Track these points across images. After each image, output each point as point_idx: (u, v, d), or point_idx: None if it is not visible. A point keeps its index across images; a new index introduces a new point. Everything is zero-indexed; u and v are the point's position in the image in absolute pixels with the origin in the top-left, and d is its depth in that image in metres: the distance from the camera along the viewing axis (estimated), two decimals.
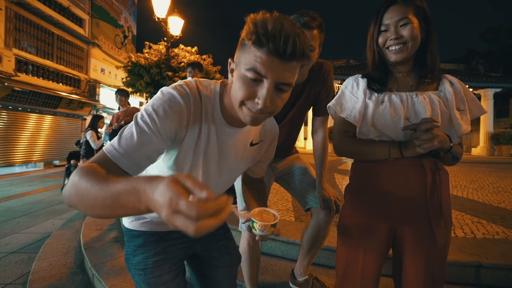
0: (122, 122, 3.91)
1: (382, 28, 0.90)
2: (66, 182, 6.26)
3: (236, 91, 0.64)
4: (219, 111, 0.74)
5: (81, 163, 4.14)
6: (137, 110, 3.93)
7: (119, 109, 4.30)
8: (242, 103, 0.64)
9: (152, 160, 0.67)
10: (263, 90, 0.60)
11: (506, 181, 4.91)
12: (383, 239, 0.88)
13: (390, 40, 0.87)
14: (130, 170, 0.62)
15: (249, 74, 0.60)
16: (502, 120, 18.72)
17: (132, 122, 0.65)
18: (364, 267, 0.88)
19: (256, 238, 0.76)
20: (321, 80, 1.36)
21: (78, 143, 7.61)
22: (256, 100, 0.62)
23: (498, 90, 13.45)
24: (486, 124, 13.52)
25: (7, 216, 4.33)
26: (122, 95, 4.09)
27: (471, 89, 15.00)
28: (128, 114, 4.01)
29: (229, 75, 0.70)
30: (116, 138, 0.63)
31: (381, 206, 0.88)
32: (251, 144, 0.85)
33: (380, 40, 0.90)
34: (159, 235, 0.89)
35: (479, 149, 13.75)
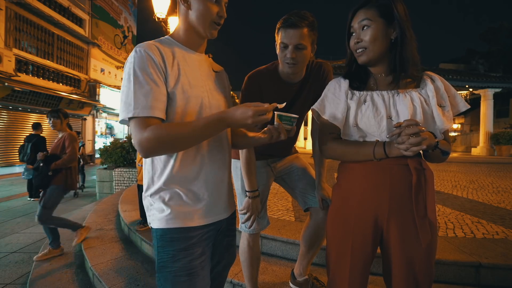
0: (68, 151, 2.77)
1: (351, 31, 0.94)
2: None
3: (206, 12, 0.85)
4: (175, 41, 0.89)
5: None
6: (75, 136, 2.96)
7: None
8: (212, 21, 0.86)
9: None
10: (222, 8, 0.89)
11: (506, 181, 4.91)
12: (370, 239, 0.89)
13: (354, 44, 0.92)
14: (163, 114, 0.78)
15: None
16: (502, 120, 18.72)
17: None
18: (352, 265, 0.89)
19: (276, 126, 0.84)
20: (320, 80, 1.35)
21: None
22: (221, 15, 0.88)
23: (498, 90, 13.42)
24: (486, 124, 13.49)
25: (7, 216, 4.33)
26: (56, 116, 2.78)
27: (471, 89, 14.74)
28: (73, 139, 2.85)
29: (183, 3, 0.86)
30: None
31: (366, 206, 0.89)
32: (214, 71, 0.98)
33: (350, 43, 0.95)
34: (199, 235, 0.84)
35: (479, 149, 13.73)
